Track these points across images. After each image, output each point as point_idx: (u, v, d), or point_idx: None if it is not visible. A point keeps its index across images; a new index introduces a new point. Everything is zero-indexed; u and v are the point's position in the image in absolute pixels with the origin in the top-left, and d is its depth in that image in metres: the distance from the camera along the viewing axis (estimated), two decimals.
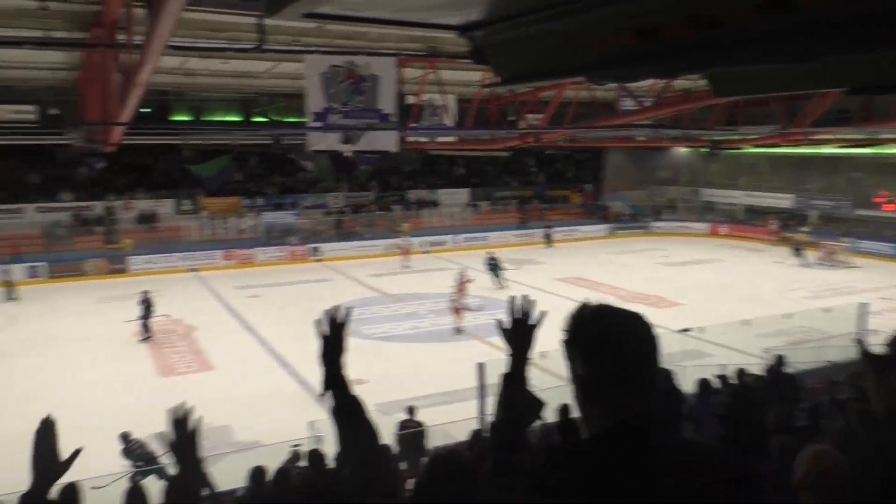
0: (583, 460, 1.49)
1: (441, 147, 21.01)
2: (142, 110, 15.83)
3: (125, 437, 10.27)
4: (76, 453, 2.00)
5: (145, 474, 9.73)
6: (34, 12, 11.57)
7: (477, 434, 8.10)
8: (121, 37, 10.60)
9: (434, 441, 9.73)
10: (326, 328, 2.13)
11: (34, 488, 1.92)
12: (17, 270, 24.67)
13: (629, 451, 1.44)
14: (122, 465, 9.91)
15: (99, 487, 7.82)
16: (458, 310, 18.41)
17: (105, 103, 14.86)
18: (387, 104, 12.73)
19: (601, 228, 37.09)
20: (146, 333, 18.06)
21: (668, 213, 38.98)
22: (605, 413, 1.52)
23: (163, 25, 7.00)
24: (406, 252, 29.01)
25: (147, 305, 18.28)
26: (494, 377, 2.28)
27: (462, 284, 19.29)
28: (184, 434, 2.06)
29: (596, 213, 38.81)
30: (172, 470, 2.13)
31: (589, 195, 40.51)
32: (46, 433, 1.94)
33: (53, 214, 29.17)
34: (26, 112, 23.15)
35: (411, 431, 10.00)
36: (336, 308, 2.18)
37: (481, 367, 9.89)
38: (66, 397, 13.41)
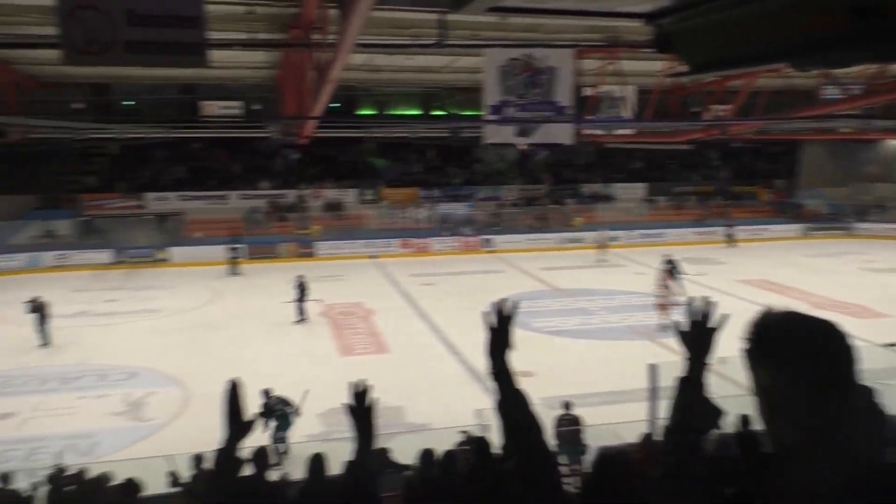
0: (766, 475, 1.39)
1: (618, 140, 20.44)
2: (331, 105, 16.85)
3: (266, 393, 10.93)
4: (256, 416, 2.16)
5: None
6: (242, 16, 12.71)
7: (647, 437, 7.82)
8: (315, 36, 11.37)
9: (601, 440, 9.52)
10: (494, 320, 2.14)
11: (226, 444, 2.10)
12: (242, 249, 27.54)
13: (819, 470, 1.32)
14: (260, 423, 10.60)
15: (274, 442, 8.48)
16: (663, 306, 17.80)
17: (300, 99, 16.02)
18: (563, 96, 12.57)
19: (793, 228, 34.20)
20: (300, 316, 19.16)
21: (875, 214, 35.06)
22: (792, 428, 1.40)
23: (353, 24, 7.40)
24: (604, 245, 28.50)
25: (302, 289, 19.42)
26: (668, 380, 2.19)
27: (664, 280, 18.64)
28: (362, 407, 2.17)
29: (788, 211, 35.83)
30: (351, 440, 2.26)
31: (780, 192, 37.50)
32: (233, 394, 2.11)
33: (253, 201, 32.04)
34: (233, 108, 25.59)
35: (570, 429, 9.88)
36: (504, 301, 2.19)
37: (654, 369, 9.52)
38: (259, 367, 14.68)
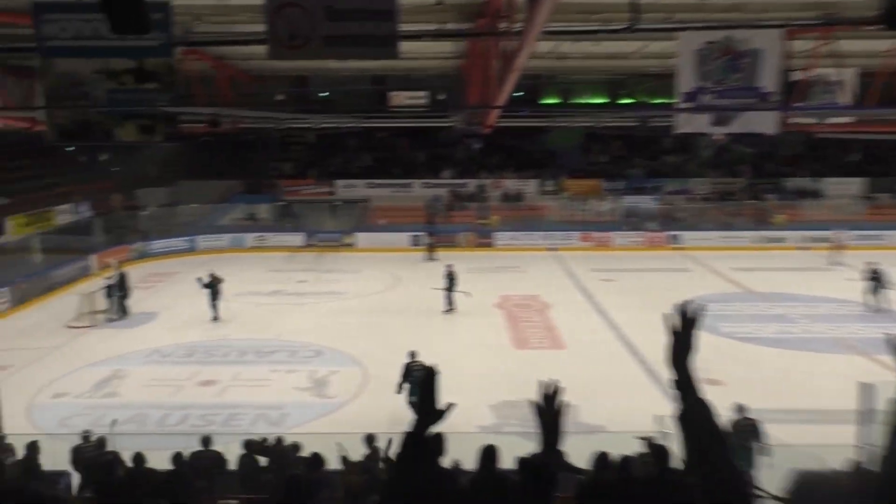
0: None
1: (832, 129, 18.64)
2: (515, 94, 16.94)
3: (412, 355, 11.89)
4: (450, 406, 2.17)
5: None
6: (431, 7, 13.15)
7: (857, 466, 7.12)
8: (502, 25, 11.49)
9: (799, 463, 8.82)
10: (677, 323, 2.04)
11: (415, 428, 2.16)
12: (436, 236, 28.66)
13: None
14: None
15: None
16: None
17: (484, 88, 16.31)
18: (768, 81, 11.67)
19: None
20: (448, 306, 19.44)
21: None
22: None
23: (541, 12, 7.39)
24: (839, 246, 26.10)
25: (451, 279, 19.69)
26: (884, 401, 1.96)
27: None
28: (551, 408, 2.17)
29: None
30: (536, 443, 2.26)
31: None
32: (429, 380, 2.16)
33: (434, 190, 33.12)
34: (419, 98, 26.61)
35: (756, 445, 9.24)
36: (689, 303, 2.08)
37: (867, 389, 8.63)
38: (435, 354, 15.20)
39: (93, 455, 8.78)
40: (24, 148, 25.32)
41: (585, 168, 34.15)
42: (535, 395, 2.32)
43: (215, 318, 18.87)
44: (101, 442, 9.08)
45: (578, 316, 19.01)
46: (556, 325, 18.11)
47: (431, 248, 27.94)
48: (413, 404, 11.89)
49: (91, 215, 27.52)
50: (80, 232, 26.36)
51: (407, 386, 11.93)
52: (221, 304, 19.06)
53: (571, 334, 17.27)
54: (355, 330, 17.90)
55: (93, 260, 25.25)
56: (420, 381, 2.18)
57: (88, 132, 11.35)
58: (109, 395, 13.85)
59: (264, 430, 11.62)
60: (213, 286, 19.01)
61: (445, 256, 26.76)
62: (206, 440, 8.94)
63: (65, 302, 20.51)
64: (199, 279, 19.15)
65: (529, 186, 33.37)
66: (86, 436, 9.27)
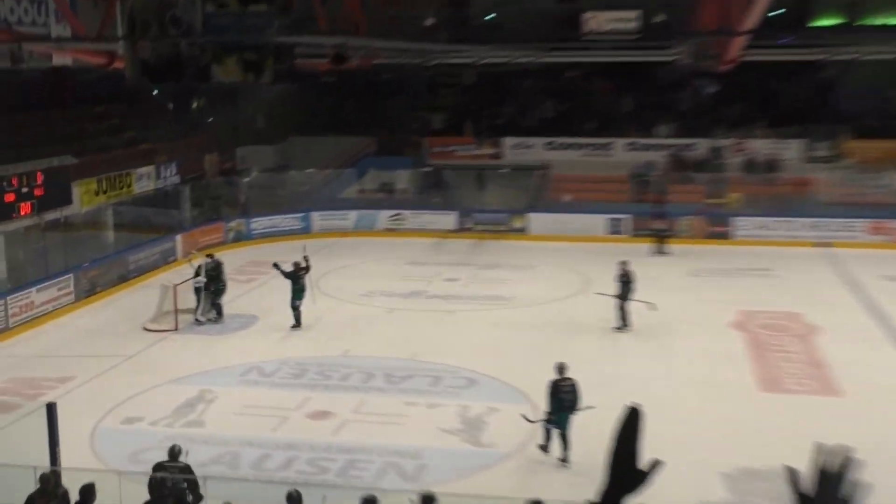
0: None
1: None
2: (771, 14, 16.14)
3: (560, 369, 12.62)
4: (656, 465, 2.12)
5: None
6: None
7: None
8: None
9: None
10: None
11: (603, 496, 2.09)
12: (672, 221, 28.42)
13: None
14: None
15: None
16: None
17: (724, 5, 15.71)
18: None
19: None
20: (621, 321, 19.03)
21: None
22: None
23: None
24: None
25: (625, 282, 19.03)
26: None
27: None
28: (835, 491, 2.01)
29: None
30: None
31: None
32: (630, 426, 2.09)
33: (645, 153, 32.49)
34: (627, 20, 26.07)
35: None
36: None
37: None
38: (640, 390, 14.79)
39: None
40: (99, 90, 27.41)
41: (881, 124, 32.18)
42: (805, 464, 2.16)
43: (295, 326, 19.63)
44: (159, 484, 9.57)
45: (863, 347, 18.15)
46: (827, 360, 17.39)
47: (662, 237, 27.43)
48: (555, 430, 12.37)
49: (178, 181, 29.45)
50: (163, 203, 28.30)
51: (551, 406, 12.65)
52: (307, 304, 19.69)
53: (851, 374, 16.49)
54: (524, 352, 17.92)
55: (178, 241, 27.06)
56: (615, 427, 2.08)
57: (179, 70, 12.11)
58: (193, 423, 14.74)
59: (395, 484, 11.88)
60: (296, 278, 19.57)
61: (638, 250, 26.20)
62: (294, 498, 9.06)
63: (142, 296, 22.14)
64: (277, 265, 19.92)
65: (790, 150, 32.11)
66: (173, 453, 9.90)
